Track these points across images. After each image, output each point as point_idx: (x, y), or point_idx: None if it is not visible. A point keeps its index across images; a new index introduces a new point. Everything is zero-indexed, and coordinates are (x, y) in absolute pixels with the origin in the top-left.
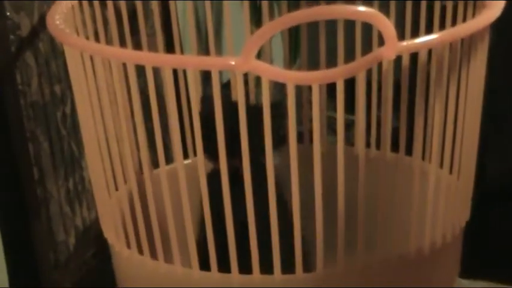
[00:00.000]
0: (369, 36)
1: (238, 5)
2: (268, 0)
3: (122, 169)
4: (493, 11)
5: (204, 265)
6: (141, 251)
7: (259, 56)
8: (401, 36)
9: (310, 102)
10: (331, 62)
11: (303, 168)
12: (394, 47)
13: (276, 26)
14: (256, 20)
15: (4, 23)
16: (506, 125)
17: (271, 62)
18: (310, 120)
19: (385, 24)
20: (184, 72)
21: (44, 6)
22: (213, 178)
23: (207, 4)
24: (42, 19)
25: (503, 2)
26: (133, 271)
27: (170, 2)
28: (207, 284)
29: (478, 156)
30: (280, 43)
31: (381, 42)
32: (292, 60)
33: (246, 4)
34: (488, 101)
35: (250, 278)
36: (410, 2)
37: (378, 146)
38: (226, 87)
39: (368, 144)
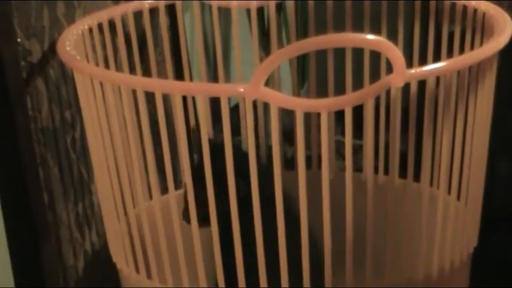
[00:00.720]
0: (377, 61)
1: (246, 30)
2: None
3: (131, 194)
4: (501, 38)
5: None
6: (149, 276)
7: (267, 80)
8: (409, 64)
9: (318, 126)
10: (339, 88)
11: (312, 193)
12: (402, 74)
13: (284, 54)
14: (264, 46)
15: (15, 49)
16: None
17: (279, 87)
18: (319, 145)
19: (394, 52)
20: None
21: (55, 32)
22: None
23: (216, 30)
24: (53, 45)
25: (511, 28)
26: None
27: (179, 29)
28: None
29: (486, 182)
30: (288, 68)
31: (389, 68)
32: (299, 84)
33: (255, 29)
34: (496, 127)
35: None
36: (417, 29)
37: (386, 172)
38: (234, 110)
39: (376, 170)
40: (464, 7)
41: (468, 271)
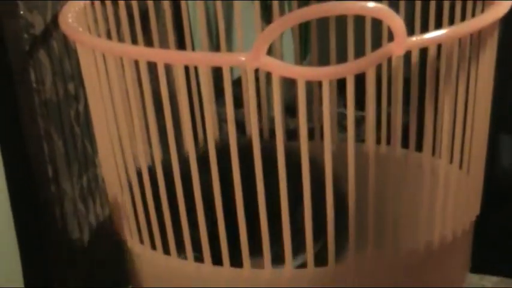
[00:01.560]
0: (379, 32)
1: (249, 4)
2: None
3: (134, 165)
4: (501, 7)
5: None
6: (154, 247)
7: (269, 53)
8: (411, 34)
9: (321, 100)
10: (342, 59)
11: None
12: (403, 42)
13: (286, 22)
14: (267, 19)
15: (18, 22)
16: None
17: (281, 59)
18: (321, 117)
19: (395, 20)
20: (197, 71)
21: (57, 5)
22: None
23: (218, 3)
24: (55, 18)
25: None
26: (145, 266)
27: (181, 1)
28: (218, 279)
29: (490, 153)
30: (291, 40)
31: (391, 38)
32: (302, 57)
33: (257, 2)
34: (498, 99)
35: (261, 272)
36: (420, 3)
37: (388, 142)
38: (236, 84)
39: (378, 141)
40: None
41: (470, 240)
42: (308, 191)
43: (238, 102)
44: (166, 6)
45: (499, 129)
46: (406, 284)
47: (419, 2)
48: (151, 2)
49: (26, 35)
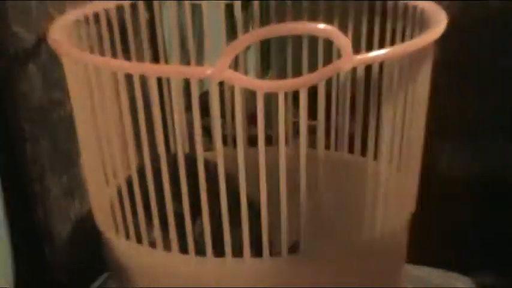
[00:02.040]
0: (330, 54)
1: (218, 22)
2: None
3: (113, 164)
4: (436, 30)
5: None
6: (128, 236)
7: (236, 68)
8: (357, 52)
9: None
10: (298, 74)
11: (273, 166)
12: (350, 59)
13: (246, 40)
14: (233, 37)
15: (9, 37)
16: (454, 129)
17: (246, 73)
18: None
19: (342, 39)
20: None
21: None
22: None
23: (188, 26)
24: (45, 33)
25: (445, 21)
26: (121, 256)
27: (156, 23)
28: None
29: (427, 158)
30: (254, 59)
31: (340, 56)
32: (264, 72)
33: (223, 25)
34: (435, 112)
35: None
36: (365, 25)
37: (336, 148)
38: (205, 95)
39: (328, 147)
40: (405, 5)
41: (407, 234)
42: (285, 188)
43: (206, 113)
44: (143, 27)
45: (435, 137)
46: (352, 271)
47: (366, 24)
48: (130, 20)
49: (14, 47)
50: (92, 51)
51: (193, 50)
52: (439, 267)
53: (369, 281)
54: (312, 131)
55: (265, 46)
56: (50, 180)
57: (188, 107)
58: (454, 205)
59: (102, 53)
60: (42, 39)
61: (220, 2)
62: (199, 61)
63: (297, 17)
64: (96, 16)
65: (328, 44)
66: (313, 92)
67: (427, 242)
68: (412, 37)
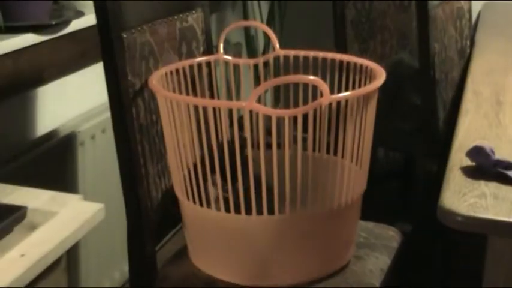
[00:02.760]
0: (316, 92)
1: (248, 74)
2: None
3: (186, 157)
4: (378, 81)
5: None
6: (194, 201)
7: (259, 102)
8: (332, 93)
9: (289, 126)
10: (296, 106)
11: (280, 161)
12: (328, 98)
13: (264, 86)
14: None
15: (127, 82)
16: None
17: (265, 105)
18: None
19: (324, 86)
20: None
21: (149, 73)
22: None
23: (231, 74)
24: (146, 80)
25: (384, 76)
26: (189, 213)
27: (212, 73)
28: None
29: (374, 155)
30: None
31: (321, 95)
32: (276, 104)
33: (251, 76)
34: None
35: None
36: (337, 75)
37: (319, 151)
38: (241, 118)
39: (314, 150)
40: (360, 65)
41: (360, 206)
42: (276, 177)
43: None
44: (205, 77)
45: (378, 143)
46: (324, 229)
47: (337, 76)
48: (197, 74)
49: (131, 89)
50: (174, 91)
51: (234, 93)
52: (378, 222)
53: (338, 231)
54: (304, 140)
55: (276, 88)
56: (150, 166)
57: (231, 125)
58: (386, 185)
59: (180, 93)
60: (144, 84)
61: (250, 61)
62: (237, 98)
63: (296, 70)
64: (177, 70)
65: (314, 88)
66: (305, 116)
67: (372, 206)
68: (364, 85)
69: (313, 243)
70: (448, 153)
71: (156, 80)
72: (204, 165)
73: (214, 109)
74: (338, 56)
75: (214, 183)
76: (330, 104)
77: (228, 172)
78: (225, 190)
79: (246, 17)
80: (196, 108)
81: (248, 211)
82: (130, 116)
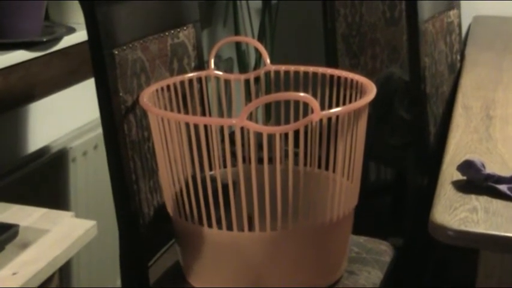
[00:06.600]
0: (307, 109)
1: (239, 90)
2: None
3: (177, 174)
4: (369, 96)
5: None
6: (186, 218)
7: (250, 117)
8: (323, 107)
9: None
10: (287, 122)
11: (272, 177)
12: (318, 114)
13: (256, 103)
14: (249, 100)
15: (118, 99)
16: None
17: (256, 122)
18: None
19: (314, 102)
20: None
21: (140, 90)
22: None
23: (222, 91)
24: (137, 97)
25: (375, 91)
26: (181, 230)
27: (203, 89)
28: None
29: (365, 171)
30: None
31: (312, 111)
32: (267, 121)
33: (242, 92)
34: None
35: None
36: (327, 90)
37: (310, 165)
38: (232, 134)
39: (305, 164)
40: (351, 79)
41: (352, 221)
42: (267, 192)
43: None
44: (195, 94)
45: (369, 157)
46: (316, 243)
47: (328, 91)
48: (188, 90)
49: (122, 106)
50: (165, 108)
51: (225, 108)
52: (370, 236)
53: (330, 246)
54: (295, 155)
55: (267, 103)
56: (141, 182)
57: (222, 140)
58: (377, 200)
59: (171, 109)
60: (136, 100)
61: (241, 76)
62: (229, 115)
63: (287, 85)
64: (168, 86)
65: (305, 103)
66: (296, 132)
67: (363, 221)
68: (355, 99)
69: (305, 258)
70: (439, 167)
71: (147, 97)
72: (195, 182)
73: (205, 126)
74: (329, 71)
75: (206, 201)
76: (321, 120)
77: (220, 191)
78: (217, 208)
79: (237, 32)
80: (187, 125)
81: (240, 227)
82: (122, 132)
